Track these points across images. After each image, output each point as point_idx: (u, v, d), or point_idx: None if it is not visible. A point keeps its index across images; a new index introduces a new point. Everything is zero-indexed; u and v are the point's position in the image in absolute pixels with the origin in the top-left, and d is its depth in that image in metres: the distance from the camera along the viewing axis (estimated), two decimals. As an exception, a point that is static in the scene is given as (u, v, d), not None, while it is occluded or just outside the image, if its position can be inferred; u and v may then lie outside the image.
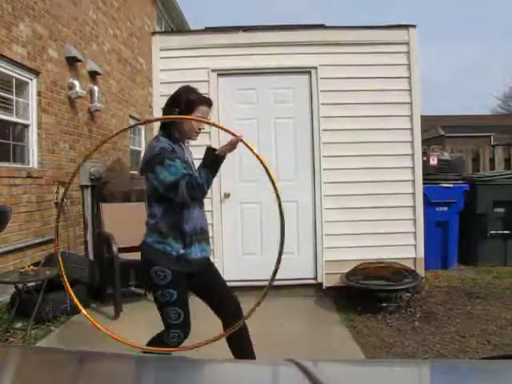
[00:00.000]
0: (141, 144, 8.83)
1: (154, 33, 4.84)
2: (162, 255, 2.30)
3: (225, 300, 2.51)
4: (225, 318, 2.49)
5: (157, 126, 4.68)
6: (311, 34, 4.70)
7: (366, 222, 4.59)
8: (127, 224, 4.69)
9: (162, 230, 2.30)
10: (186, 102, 2.35)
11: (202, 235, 2.41)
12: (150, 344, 2.41)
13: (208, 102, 2.39)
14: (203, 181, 2.17)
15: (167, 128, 2.39)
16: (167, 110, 2.43)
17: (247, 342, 2.52)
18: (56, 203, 5.07)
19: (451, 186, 5.36)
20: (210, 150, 2.23)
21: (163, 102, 4.83)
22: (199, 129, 2.38)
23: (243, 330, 2.46)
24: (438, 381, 0.94)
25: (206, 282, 2.50)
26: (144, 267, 2.41)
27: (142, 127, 8.89)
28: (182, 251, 2.30)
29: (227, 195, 4.61)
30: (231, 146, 2.19)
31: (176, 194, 2.20)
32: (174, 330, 2.39)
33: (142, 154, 2.43)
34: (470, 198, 5.39)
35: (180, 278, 2.32)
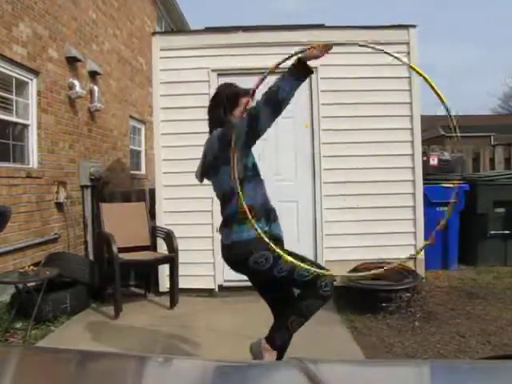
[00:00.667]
0: (141, 144, 8.83)
1: (154, 33, 4.84)
2: (257, 241, 2.17)
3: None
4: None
5: (161, 125, 4.70)
6: (311, 34, 4.70)
7: (366, 221, 4.59)
8: (127, 224, 4.69)
9: (255, 213, 2.21)
10: (230, 95, 2.45)
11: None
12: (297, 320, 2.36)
13: (249, 93, 2.38)
14: (288, 89, 2.31)
15: (217, 125, 2.43)
16: (214, 110, 2.47)
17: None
18: (56, 203, 5.07)
19: (451, 185, 5.35)
20: (301, 64, 2.34)
21: (163, 101, 4.88)
22: (245, 108, 2.33)
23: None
24: (438, 381, 0.94)
25: None
26: (243, 263, 2.33)
27: (142, 127, 8.89)
28: (266, 228, 2.28)
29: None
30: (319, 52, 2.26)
31: (275, 115, 2.28)
32: (320, 279, 2.28)
33: (209, 147, 2.45)
34: (470, 198, 5.39)
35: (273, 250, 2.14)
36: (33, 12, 4.78)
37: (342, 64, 4.65)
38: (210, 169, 2.44)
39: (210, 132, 2.48)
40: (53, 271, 3.80)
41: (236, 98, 2.43)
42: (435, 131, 21.06)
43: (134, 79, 8.35)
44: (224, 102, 2.43)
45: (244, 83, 4.94)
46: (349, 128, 4.63)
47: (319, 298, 2.33)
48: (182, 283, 4.34)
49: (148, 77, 8.00)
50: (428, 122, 16.72)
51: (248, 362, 1.87)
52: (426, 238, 4.72)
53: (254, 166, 2.35)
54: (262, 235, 2.00)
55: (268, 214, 2.34)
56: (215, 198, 2.54)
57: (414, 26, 4.68)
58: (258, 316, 3.85)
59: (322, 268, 2.36)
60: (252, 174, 2.33)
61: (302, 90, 4.75)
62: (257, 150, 5.05)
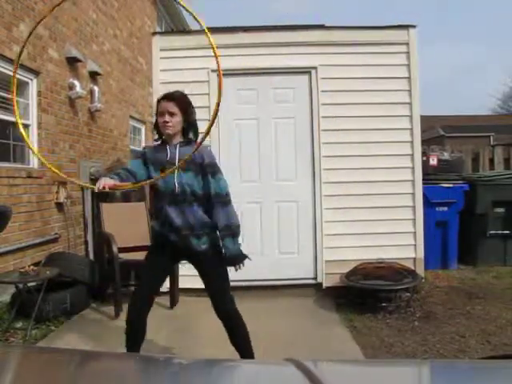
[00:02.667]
0: (141, 144, 8.82)
1: (154, 33, 4.84)
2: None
3: None
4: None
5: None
6: (311, 34, 4.70)
7: (366, 221, 4.60)
8: (127, 224, 4.69)
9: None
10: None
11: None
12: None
13: (161, 97, 2.63)
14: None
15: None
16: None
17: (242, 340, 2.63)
18: (56, 203, 5.07)
19: (451, 185, 5.36)
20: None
21: (163, 102, 4.83)
22: (163, 122, 2.56)
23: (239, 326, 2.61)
24: (438, 381, 0.94)
25: None
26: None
27: (143, 127, 8.88)
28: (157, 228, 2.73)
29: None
30: None
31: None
32: None
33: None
34: (470, 198, 5.39)
35: None
36: (33, 12, 4.79)
37: (341, 64, 4.66)
38: None
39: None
40: (53, 271, 3.80)
41: (156, 107, 2.65)
42: (435, 131, 21.05)
43: (134, 79, 8.35)
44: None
45: (244, 83, 4.95)
46: (349, 128, 4.63)
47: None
48: (182, 283, 4.34)
49: (148, 77, 7.99)
50: (428, 122, 16.72)
51: (248, 361, 1.87)
52: (425, 238, 4.72)
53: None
54: None
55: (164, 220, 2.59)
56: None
57: (413, 26, 4.69)
58: (258, 316, 3.85)
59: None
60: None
61: (302, 90, 4.76)
62: (257, 150, 5.08)
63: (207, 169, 2.56)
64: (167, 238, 2.58)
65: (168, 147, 2.58)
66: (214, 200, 2.55)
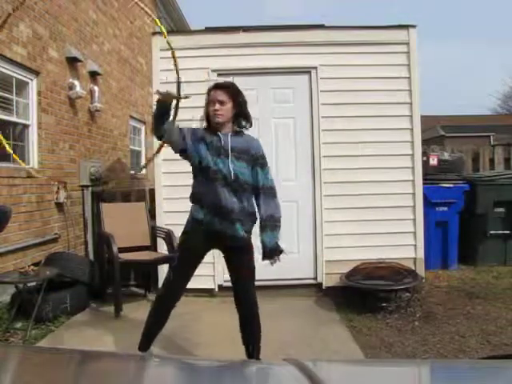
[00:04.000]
0: (141, 144, 8.83)
1: (154, 33, 4.83)
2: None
3: None
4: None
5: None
6: (311, 34, 4.70)
7: (366, 221, 4.59)
8: (127, 224, 4.69)
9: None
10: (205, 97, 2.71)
11: None
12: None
13: (212, 87, 2.69)
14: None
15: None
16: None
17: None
18: (56, 203, 5.07)
19: (451, 185, 5.36)
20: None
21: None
22: (213, 110, 2.60)
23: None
24: (438, 381, 0.94)
25: None
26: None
27: (143, 127, 8.88)
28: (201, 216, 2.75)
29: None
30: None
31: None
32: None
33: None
34: (469, 198, 5.39)
35: None
36: (33, 12, 4.78)
37: (341, 64, 4.66)
38: None
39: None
40: (53, 271, 3.80)
41: (206, 97, 2.71)
42: (435, 131, 21.05)
43: (134, 79, 8.35)
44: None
45: (244, 83, 4.97)
46: (349, 128, 4.63)
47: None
48: (182, 283, 4.33)
49: (148, 77, 8.00)
50: (428, 122, 16.72)
51: (248, 361, 1.87)
52: (425, 238, 4.72)
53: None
54: None
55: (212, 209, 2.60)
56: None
57: (413, 26, 4.68)
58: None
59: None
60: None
61: (302, 90, 4.76)
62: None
63: (258, 160, 2.64)
64: (211, 226, 2.57)
65: (220, 134, 2.61)
66: (263, 191, 2.62)
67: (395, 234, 4.60)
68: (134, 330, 3.66)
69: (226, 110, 2.58)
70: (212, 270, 4.57)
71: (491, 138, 19.69)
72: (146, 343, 2.72)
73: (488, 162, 6.42)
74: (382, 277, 4.17)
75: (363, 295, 4.11)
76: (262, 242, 2.61)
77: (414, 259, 4.60)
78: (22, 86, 4.77)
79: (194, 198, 2.67)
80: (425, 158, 5.41)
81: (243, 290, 2.68)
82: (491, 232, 5.44)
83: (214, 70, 4.63)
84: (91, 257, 5.32)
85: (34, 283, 3.81)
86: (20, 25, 4.54)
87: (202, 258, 2.74)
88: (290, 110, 4.75)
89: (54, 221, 5.07)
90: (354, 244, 4.57)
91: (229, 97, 2.58)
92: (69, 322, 3.89)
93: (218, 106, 2.57)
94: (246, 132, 2.72)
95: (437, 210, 5.33)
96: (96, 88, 6.20)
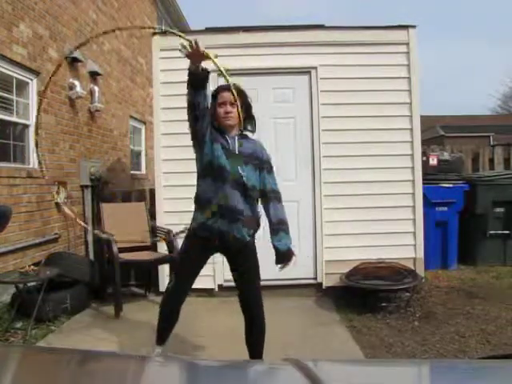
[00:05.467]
0: (141, 144, 8.83)
1: (154, 33, 4.83)
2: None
3: None
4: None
5: (160, 125, 4.70)
6: (311, 34, 4.70)
7: (366, 221, 4.60)
8: (127, 224, 4.69)
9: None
10: (212, 95, 2.61)
11: None
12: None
13: (224, 87, 2.62)
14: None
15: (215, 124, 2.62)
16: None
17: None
18: (56, 203, 5.07)
19: (451, 185, 5.36)
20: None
21: (164, 102, 4.88)
22: (225, 113, 2.55)
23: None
24: (438, 381, 0.94)
25: None
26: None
27: (143, 127, 8.88)
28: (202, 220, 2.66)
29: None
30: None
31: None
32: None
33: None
34: (469, 198, 5.39)
35: None
36: (33, 12, 4.78)
37: (341, 64, 4.66)
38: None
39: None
40: (53, 271, 3.80)
41: (214, 96, 2.61)
42: (435, 131, 21.06)
43: (134, 79, 8.35)
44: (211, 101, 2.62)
45: (244, 83, 4.94)
46: (349, 128, 4.63)
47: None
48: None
49: (148, 77, 8.00)
50: (428, 122, 16.73)
51: (248, 361, 1.87)
52: (425, 238, 4.73)
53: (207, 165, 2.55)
54: None
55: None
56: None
57: (413, 27, 4.69)
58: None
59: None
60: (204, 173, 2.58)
61: (302, 90, 4.76)
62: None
63: (265, 164, 2.64)
64: (218, 227, 2.49)
65: (227, 137, 2.57)
66: (271, 195, 2.62)
67: (395, 234, 4.60)
68: (134, 330, 3.67)
69: (236, 113, 2.55)
70: (212, 270, 4.57)
71: (491, 138, 19.70)
72: (161, 339, 2.74)
73: (488, 162, 6.42)
74: (382, 277, 4.17)
75: (363, 295, 4.10)
76: (275, 247, 2.58)
77: (414, 259, 4.60)
78: (22, 86, 4.77)
79: (201, 199, 2.55)
80: (424, 158, 5.41)
81: (250, 292, 2.65)
82: (491, 232, 5.45)
83: (213, 70, 4.62)
84: (91, 257, 5.32)
85: (34, 283, 3.81)
86: (20, 25, 4.54)
87: (205, 263, 2.72)
88: (290, 110, 4.75)
89: (54, 221, 5.07)
90: (353, 244, 4.57)
91: (240, 100, 2.56)
92: (69, 322, 3.89)
93: (229, 108, 2.53)
94: (250, 136, 2.70)
95: (436, 209, 5.34)
96: (96, 88, 6.20)
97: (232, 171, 2.49)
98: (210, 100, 2.56)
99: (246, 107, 2.62)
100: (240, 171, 2.50)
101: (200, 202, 2.56)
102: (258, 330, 2.67)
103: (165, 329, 2.71)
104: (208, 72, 2.42)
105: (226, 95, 2.55)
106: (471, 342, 3.30)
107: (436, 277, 4.97)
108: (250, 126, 2.68)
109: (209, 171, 2.52)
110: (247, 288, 2.66)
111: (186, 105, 2.52)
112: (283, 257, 2.59)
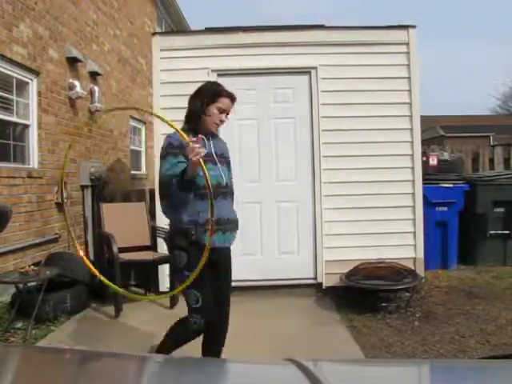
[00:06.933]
0: (141, 144, 8.83)
1: (154, 33, 4.84)
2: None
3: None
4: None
5: (160, 125, 4.70)
6: (311, 34, 4.70)
7: (366, 221, 4.60)
8: (127, 224, 4.69)
9: None
10: (211, 90, 2.42)
11: None
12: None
13: (232, 97, 2.44)
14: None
15: (191, 122, 2.43)
16: (192, 101, 2.46)
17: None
18: (56, 203, 5.07)
19: (451, 185, 5.36)
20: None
21: (164, 102, 4.88)
22: (220, 121, 2.42)
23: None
24: (438, 381, 0.94)
25: None
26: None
27: (143, 127, 8.89)
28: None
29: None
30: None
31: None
32: (194, 315, 2.39)
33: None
34: (469, 198, 5.39)
35: None
36: (33, 12, 4.79)
37: (341, 64, 4.66)
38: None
39: (185, 122, 2.46)
40: (53, 271, 3.80)
41: (216, 95, 2.41)
42: (435, 131, 21.05)
43: (134, 79, 8.35)
44: (204, 95, 2.42)
45: (244, 83, 4.94)
46: (349, 128, 4.63)
47: (188, 331, 2.44)
48: (182, 283, 4.34)
49: (148, 77, 8.00)
50: (428, 122, 16.72)
51: (247, 361, 1.87)
52: (425, 238, 4.72)
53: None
54: None
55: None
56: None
57: (413, 27, 4.69)
58: (258, 316, 3.85)
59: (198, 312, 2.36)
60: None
61: (302, 90, 4.76)
62: (257, 150, 5.07)
63: (229, 162, 2.55)
64: (203, 242, 2.19)
65: (207, 141, 2.40)
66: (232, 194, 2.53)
67: (395, 234, 4.60)
68: (133, 330, 3.67)
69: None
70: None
71: (491, 138, 19.70)
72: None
73: (488, 162, 6.42)
74: (382, 277, 4.17)
75: (363, 295, 4.10)
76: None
77: (414, 259, 4.60)
78: (22, 86, 4.77)
79: (189, 220, 2.30)
80: (424, 158, 5.41)
81: (223, 299, 2.48)
82: (491, 232, 5.44)
83: (213, 70, 4.62)
84: (91, 257, 5.32)
85: (34, 283, 3.81)
86: (20, 25, 4.54)
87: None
88: (290, 110, 4.75)
89: (54, 221, 5.07)
90: (353, 244, 4.57)
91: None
92: (69, 322, 3.89)
93: (225, 118, 2.44)
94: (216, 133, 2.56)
95: (436, 209, 5.33)
96: (96, 88, 6.20)
97: (214, 179, 2.32)
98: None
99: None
100: (222, 174, 2.41)
101: (189, 222, 2.38)
102: (227, 328, 2.55)
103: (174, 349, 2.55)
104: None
105: (229, 104, 2.43)
106: (471, 341, 3.30)
107: (436, 277, 4.97)
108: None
109: (192, 187, 2.33)
110: (225, 294, 2.52)
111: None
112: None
